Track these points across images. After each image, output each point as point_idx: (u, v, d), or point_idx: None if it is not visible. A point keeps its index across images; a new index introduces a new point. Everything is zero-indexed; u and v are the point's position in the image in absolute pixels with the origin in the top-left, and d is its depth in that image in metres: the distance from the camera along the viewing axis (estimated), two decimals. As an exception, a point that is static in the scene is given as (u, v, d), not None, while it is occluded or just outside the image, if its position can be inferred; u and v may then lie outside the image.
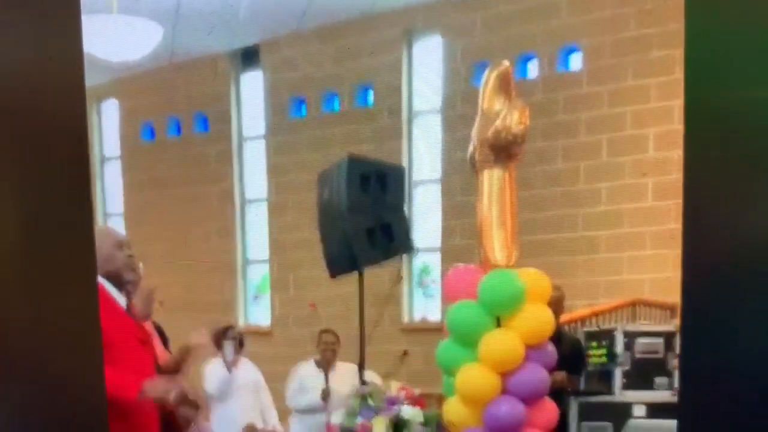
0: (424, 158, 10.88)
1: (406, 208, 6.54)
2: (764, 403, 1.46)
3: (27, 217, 1.48)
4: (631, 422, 6.39)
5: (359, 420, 4.87)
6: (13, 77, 1.44)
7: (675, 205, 7.26)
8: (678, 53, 6.69)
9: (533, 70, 9.88)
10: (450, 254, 9.28)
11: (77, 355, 1.55)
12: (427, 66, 10.86)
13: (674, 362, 6.10)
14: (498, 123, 4.13)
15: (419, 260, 10.89)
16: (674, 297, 5.56)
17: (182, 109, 12.42)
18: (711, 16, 1.46)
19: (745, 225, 1.46)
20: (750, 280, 1.45)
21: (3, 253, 1.45)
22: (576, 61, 9.63)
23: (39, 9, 1.46)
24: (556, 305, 5.24)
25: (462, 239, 9.18)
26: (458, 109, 9.60)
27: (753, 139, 1.44)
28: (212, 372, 7.15)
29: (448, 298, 4.37)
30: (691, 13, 1.49)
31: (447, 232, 10.21)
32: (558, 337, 5.17)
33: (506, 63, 4.34)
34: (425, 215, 10.75)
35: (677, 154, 6.83)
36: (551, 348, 4.21)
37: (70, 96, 1.53)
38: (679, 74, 6.95)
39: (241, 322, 11.60)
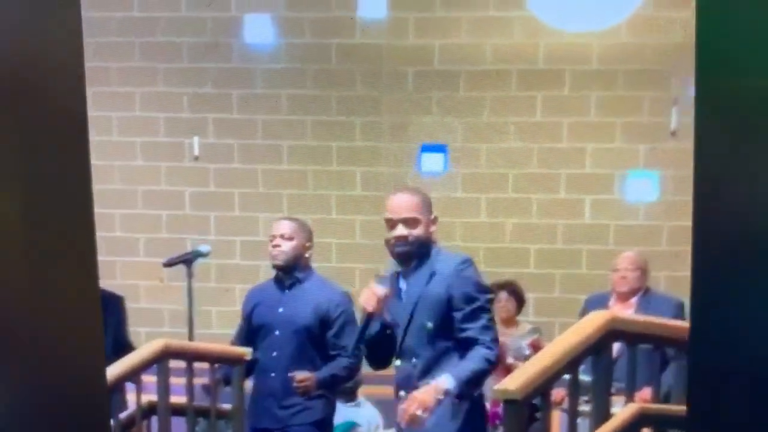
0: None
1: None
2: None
3: (27, 196, 1.45)
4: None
5: None
6: (10, 54, 1.40)
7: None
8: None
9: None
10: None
11: (77, 333, 1.54)
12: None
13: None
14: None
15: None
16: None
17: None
18: (721, 5, 1.45)
19: (758, 217, 1.44)
20: (761, 277, 1.45)
21: (3, 229, 1.42)
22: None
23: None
24: None
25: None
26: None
27: (764, 127, 1.43)
28: None
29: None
30: (702, 1, 1.46)
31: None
32: None
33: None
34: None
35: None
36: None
37: (70, 70, 1.49)
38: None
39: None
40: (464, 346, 3.84)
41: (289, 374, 4.86)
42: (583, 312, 5.70)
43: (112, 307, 5.53)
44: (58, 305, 1.50)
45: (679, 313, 5.34)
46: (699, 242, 1.50)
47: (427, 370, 3.93)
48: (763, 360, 1.47)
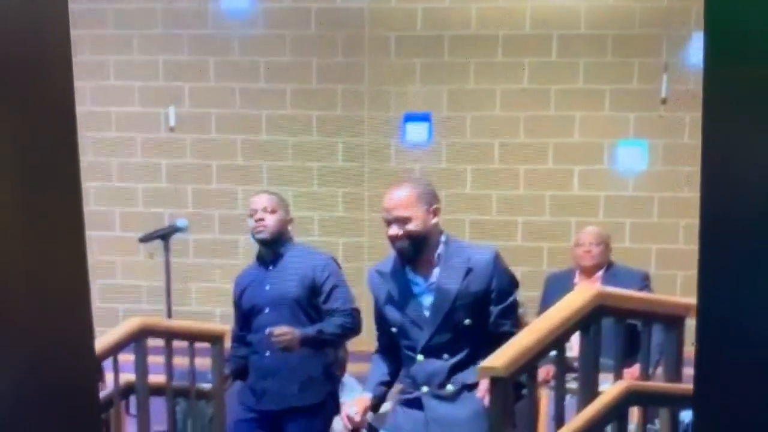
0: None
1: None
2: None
3: (17, 183, 1.44)
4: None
5: None
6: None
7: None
8: None
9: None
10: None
11: (68, 313, 1.54)
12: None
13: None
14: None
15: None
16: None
17: None
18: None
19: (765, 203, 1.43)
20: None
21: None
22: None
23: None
24: None
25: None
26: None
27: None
28: None
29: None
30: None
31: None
32: None
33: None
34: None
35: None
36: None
37: (56, 44, 1.48)
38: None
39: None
40: (499, 340, 3.79)
41: (267, 330, 4.78)
42: (546, 290, 5.66)
43: None
44: (48, 286, 1.51)
45: (645, 285, 5.33)
46: (707, 229, 1.47)
47: (462, 366, 3.92)
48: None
